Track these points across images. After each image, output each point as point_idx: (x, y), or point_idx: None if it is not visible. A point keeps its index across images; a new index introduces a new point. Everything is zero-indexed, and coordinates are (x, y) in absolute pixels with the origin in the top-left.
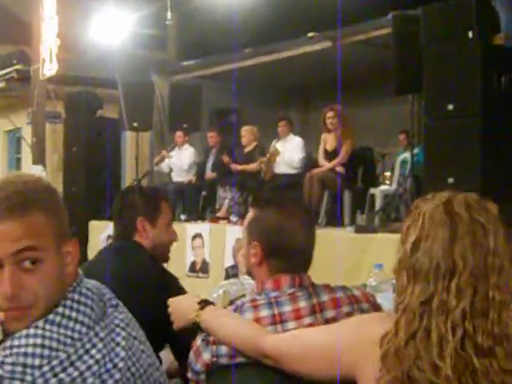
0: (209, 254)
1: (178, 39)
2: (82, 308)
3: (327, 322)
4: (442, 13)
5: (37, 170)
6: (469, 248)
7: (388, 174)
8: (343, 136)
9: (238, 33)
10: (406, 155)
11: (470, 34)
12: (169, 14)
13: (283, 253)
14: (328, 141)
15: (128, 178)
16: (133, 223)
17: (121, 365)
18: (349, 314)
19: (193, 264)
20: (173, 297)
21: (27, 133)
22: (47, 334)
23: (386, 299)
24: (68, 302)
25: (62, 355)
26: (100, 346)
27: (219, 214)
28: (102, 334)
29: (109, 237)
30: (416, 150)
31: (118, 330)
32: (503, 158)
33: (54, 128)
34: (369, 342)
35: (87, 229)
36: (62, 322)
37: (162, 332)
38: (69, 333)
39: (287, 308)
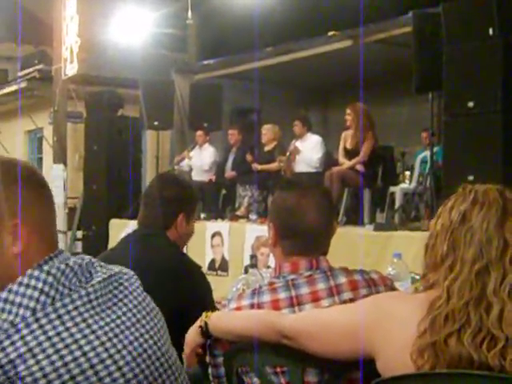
0: (228, 251)
1: (198, 39)
2: (28, 292)
3: (344, 304)
4: (463, 10)
5: (58, 170)
6: None
7: (408, 172)
8: (364, 135)
9: (258, 32)
10: (426, 154)
11: (491, 31)
12: (189, 14)
13: (294, 234)
14: (348, 139)
15: (149, 177)
16: (173, 218)
17: (63, 352)
18: (366, 297)
19: (212, 262)
20: (197, 284)
21: (49, 132)
22: None
23: (405, 288)
24: (14, 287)
25: None
26: (38, 332)
27: (239, 213)
28: (43, 321)
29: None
30: (436, 149)
31: (74, 313)
32: None
33: (75, 128)
34: (391, 318)
35: (108, 227)
36: (5, 307)
37: (186, 318)
38: (10, 317)
39: (305, 290)
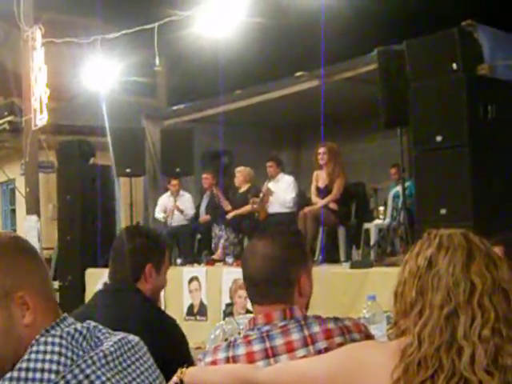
0: (206, 296)
1: (167, 85)
2: (47, 357)
3: (320, 353)
4: (426, 46)
5: (31, 221)
6: (485, 271)
7: (381, 208)
8: (335, 173)
9: (226, 75)
10: (398, 189)
11: (455, 66)
12: (157, 61)
13: (245, 280)
14: (320, 178)
15: (123, 225)
16: (141, 269)
17: None
18: (341, 345)
19: (190, 307)
20: (172, 338)
21: (21, 184)
22: None
23: (380, 330)
24: (32, 356)
25: None
26: None
27: (215, 257)
28: (73, 382)
29: (105, 284)
30: (407, 183)
31: (98, 372)
32: (494, 186)
33: (48, 178)
34: (365, 367)
35: (84, 276)
36: (28, 375)
37: (162, 374)
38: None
39: (279, 341)
